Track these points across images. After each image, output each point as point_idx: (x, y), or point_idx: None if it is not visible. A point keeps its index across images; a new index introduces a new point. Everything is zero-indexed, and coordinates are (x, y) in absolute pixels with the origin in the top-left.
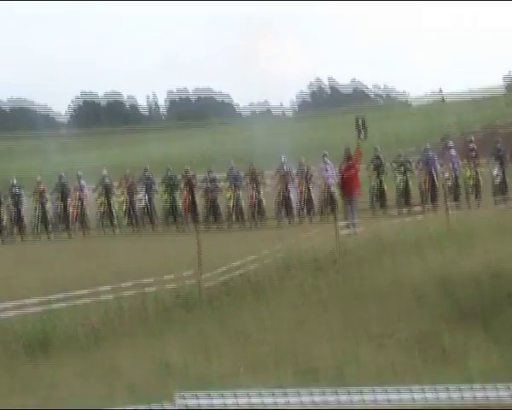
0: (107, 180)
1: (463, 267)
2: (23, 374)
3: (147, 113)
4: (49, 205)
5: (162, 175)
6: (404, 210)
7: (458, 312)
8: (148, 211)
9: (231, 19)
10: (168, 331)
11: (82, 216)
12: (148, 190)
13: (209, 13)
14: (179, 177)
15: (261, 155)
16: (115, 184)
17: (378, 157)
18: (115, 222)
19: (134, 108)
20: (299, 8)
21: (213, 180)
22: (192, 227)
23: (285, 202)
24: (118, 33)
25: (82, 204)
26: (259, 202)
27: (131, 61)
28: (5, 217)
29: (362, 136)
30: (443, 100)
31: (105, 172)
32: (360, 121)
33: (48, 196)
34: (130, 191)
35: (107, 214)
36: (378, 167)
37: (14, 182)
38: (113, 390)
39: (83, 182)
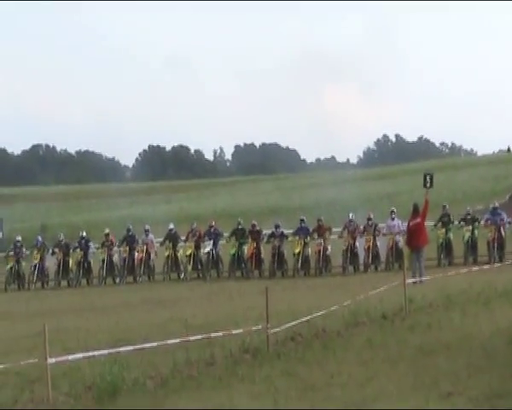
0: (173, 233)
1: None
2: None
3: (213, 166)
4: (116, 257)
5: (231, 228)
6: (473, 267)
7: None
8: (215, 263)
9: (298, 74)
10: None
11: (149, 269)
12: (216, 243)
13: (278, 69)
14: (247, 231)
15: (328, 209)
16: (182, 237)
17: (446, 214)
18: (182, 275)
19: (201, 161)
20: (370, 63)
21: (281, 235)
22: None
23: (353, 258)
24: (183, 88)
25: (149, 257)
26: (327, 257)
27: (199, 115)
28: (74, 268)
29: (429, 191)
30: (509, 156)
31: (171, 225)
32: (428, 177)
33: (115, 248)
34: (198, 244)
35: (175, 266)
36: (446, 224)
37: (84, 234)
38: None
39: (151, 236)
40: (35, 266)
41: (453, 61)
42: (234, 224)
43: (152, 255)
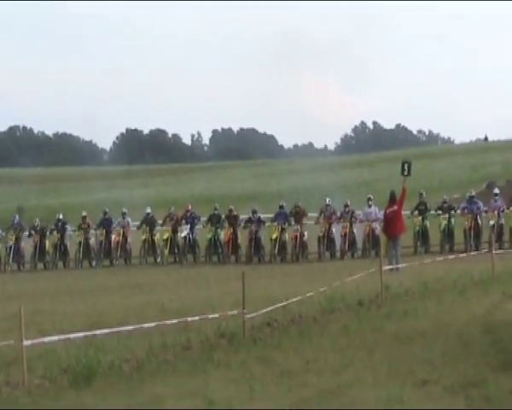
0: (150, 217)
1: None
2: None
3: (191, 150)
4: (93, 240)
5: (208, 213)
6: (449, 255)
7: (504, 358)
8: (192, 248)
9: (276, 60)
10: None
11: (125, 252)
12: (193, 227)
13: (253, 54)
14: (223, 216)
15: (305, 195)
16: (160, 221)
17: (423, 202)
18: (158, 259)
19: (178, 145)
20: (348, 49)
21: (258, 220)
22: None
23: (329, 244)
24: (161, 73)
25: (126, 240)
26: (303, 243)
27: (176, 100)
28: (50, 250)
29: (407, 179)
30: (486, 145)
31: (149, 209)
32: (406, 165)
33: (92, 231)
34: (175, 228)
35: (151, 250)
36: (423, 212)
37: (61, 217)
38: None
39: (128, 219)
40: (10, 247)
41: (430, 48)
42: (211, 209)
43: (128, 239)
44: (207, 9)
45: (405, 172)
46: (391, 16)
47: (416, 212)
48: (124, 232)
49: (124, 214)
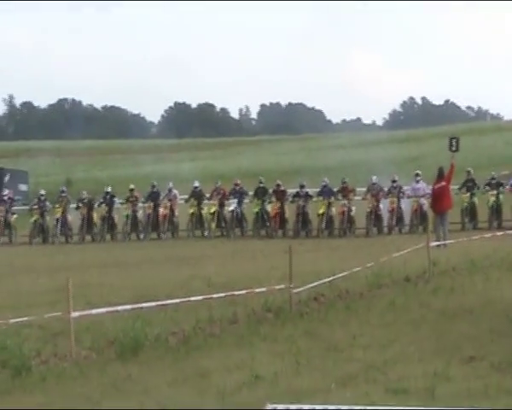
0: (198, 191)
1: None
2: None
3: (239, 124)
4: (140, 213)
5: (254, 187)
6: (497, 232)
7: None
8: (239, 222)
9: (325, 36)
10: None
11: (173, 225)
12: (240, 202)
13: (303, 30)
14: (271, 190)
15: (353, 170)
16: (207, 195)
17: (471, 180)
18: (206, 233)
19: (226, 119)
20: (396, 26)
21: (306, 195)
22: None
23: (376, 220)
24: (211, 46)
25: (173, 214)
26: (351, 218)
27: (226, 74)
28: (98, 223)
29: (455, 155)
30: None
31: (197, 183)
32: (454, 141)
33: (140, 204)
34: (222, 203)
35: (199, 224)
36: (471, 189)
37: (109, 189)
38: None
39: (174, 192)
40: (57, 219)
41: (481, 23)
42: (257, 183)
43: (176, 212)
44: None
45: (453, 148)
46: None
47: (464, 189)
48: (171, 206)
49: (170, 188)
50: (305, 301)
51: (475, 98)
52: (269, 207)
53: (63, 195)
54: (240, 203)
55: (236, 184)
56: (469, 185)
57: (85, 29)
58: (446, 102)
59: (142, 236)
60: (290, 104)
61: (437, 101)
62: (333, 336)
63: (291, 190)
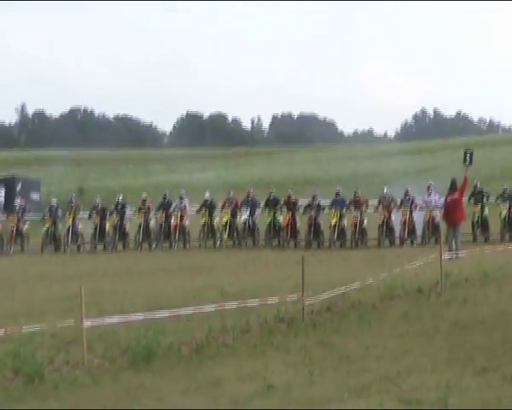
0: (210, 202)
1: None
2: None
3: (251, 135)
4: (153, 222)
5: (266, 197)
6: (509, 244)
7: None
8: (251, 232)
9: (336, 45)
10: None
11: (183, 235)
12: (253, 212)
13: (315, 40)
14: (282, 201)
15: (365, 181)
16: (219, 204)
17: (479, 191)
18: (218, 243)
19: (238, 130)
20: (409, 36)
21: (318, 206)
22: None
23: (388, 231)
24: (224, 56)
25: (184, 223)
26: (363, 230)
27: (238, 84)
28: (110, 231)
29: (468, 168)
30: None
31: (207, 194)
32: (468, 155)
33: (152, 213)
34: (234, 212)
35: (211, 234)
36: (480, 201)
37: (121, 198)
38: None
39: (185, 201)
40: (68, 228)
41: (492, 37)
42: (269, 193)
43: (186, 222)
44: None
45: (467, 162)
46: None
47: (472, 200)
48: (181, 215)
49: (181, 198)
50: (318, 311)
51: (487, 111)
52: (280, 218)
53: (72, 203)
54: (252, 213)
55: (248, 194)
56: (477, 198)
57: (97, 36)
58: (458, 114)
59: (154, 245)
60: (302, 115)
61: (449, 112)
62: (346, 347)
63: (302, 201)
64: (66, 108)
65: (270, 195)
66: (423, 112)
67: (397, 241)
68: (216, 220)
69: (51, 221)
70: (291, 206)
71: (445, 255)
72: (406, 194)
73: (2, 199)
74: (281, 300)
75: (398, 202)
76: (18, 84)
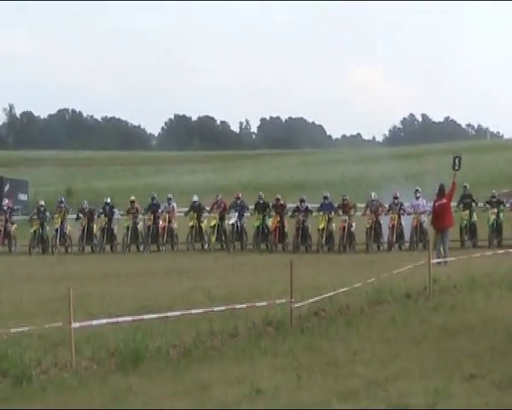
0: (197, 205)
1: None
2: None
3: (239, 138)
4: (141, 225)
5: (254, 201)
6: (497, 250)
7: None
8: (239, 235)
9: (325, 50)
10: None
11: (171, 237)
12: (241, 216)
13: (304, 44)
14: (271, 205)
15: (353, 186)
16: (207, 208)
17: (468, 195)
18: (205, 246)
19: (226, 132)
20: (398, 42)
21: (306, 209)
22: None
23: (376, 236)
24: (212, 59)
25: (172, 226)
26: (351, 234)
27: (227, 87)
28: (98, 233)
29: (457, 173)
30: None
31: (195, 198)
32: (457, 160)
33: (140, 216)
34: (222, 216)
35: (198, 237)
36: (469, 206)
37: (108, 200)
38: None
39: (173, 204)
40: (56, 230)
41: (480, 44)
42: (257, 197)
43: (174, 224)
44: None
45: (456, 167)
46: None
47: (462, 205)
48: (169, 217)
49: (169, 199)
50: (306, 315)
51: (475, 116)
52: (269, 222)
53: (61, 205)
54: (240, 217)
55: (237, 198)
56: (466, 202)
57: (86, 38)
58: (446, 119)
59: (141, 247)
60: (290, 118)
61: (437, 118)
62: (333, 352)
63: (291, 205)
64: (54, 109)
65: (259, 199)
66: (411, 117)
67: (385, 245)
68: (204, 223)
69: (39, 223)
70: (279, 209)
71: (434, 260)
72: (395, 198)
73: None
74: (269, 304)
75: (387, 207)
76: (6, 85)
